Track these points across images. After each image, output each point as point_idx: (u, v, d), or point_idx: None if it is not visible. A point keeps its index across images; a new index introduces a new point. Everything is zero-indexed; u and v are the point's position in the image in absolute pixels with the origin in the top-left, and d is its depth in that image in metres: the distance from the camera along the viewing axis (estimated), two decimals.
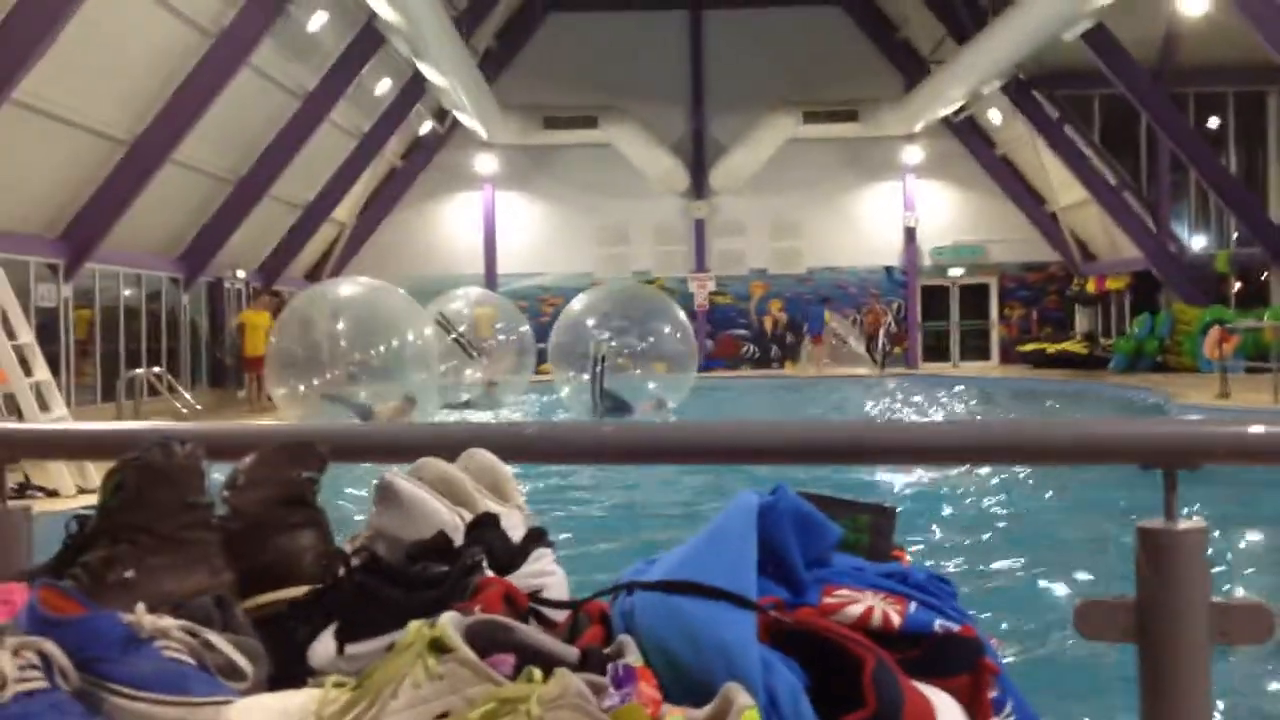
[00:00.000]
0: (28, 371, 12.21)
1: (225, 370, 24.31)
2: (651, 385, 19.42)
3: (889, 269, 31.81)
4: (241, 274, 24.66)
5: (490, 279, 30.26)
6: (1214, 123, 27.15)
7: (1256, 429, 1.70)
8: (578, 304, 20.30)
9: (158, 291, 21.52)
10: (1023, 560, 7.18)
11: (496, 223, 31.64)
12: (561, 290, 26.67)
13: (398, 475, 1.51)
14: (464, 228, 31.60)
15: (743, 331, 31.82)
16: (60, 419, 12.03)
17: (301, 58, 21.33)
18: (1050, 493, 9.19)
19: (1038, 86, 26.69)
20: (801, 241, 31.86)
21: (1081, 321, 30.90)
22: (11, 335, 12.17)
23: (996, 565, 7.07)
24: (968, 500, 9.09)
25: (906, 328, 31.74)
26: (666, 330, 19.82)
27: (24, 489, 8.58)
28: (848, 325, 30.80)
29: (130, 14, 15.81)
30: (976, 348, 31.93)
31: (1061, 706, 4.44)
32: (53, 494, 9.22)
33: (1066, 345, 28.13)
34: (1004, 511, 8.77)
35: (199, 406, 14.22)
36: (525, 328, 22.42)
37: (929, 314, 32.00)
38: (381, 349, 17.33)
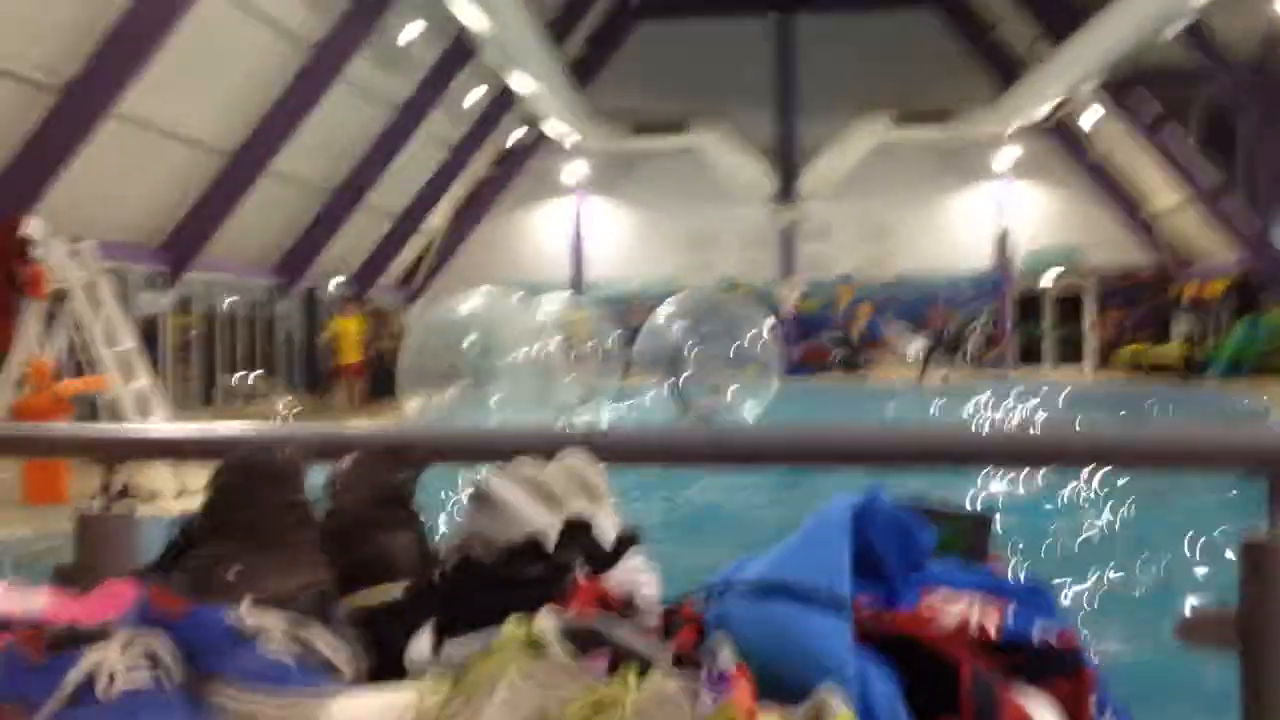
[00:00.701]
0: (130, 378, 12.55)
1: (320, 376, 24.73)
2: (734, 387, 19.38)
3: (982, 273, 31.35)
4: (336, 281, 25.08)
5: (578, 285, 30.42)
6: None
7: None
8: (663, 311, 20.39)
9: (255, 299, 21.98)
10: (1124, 572, 7.05)
11: (584, 229, 31.80)
12: (648, 296, 26.66)
13: (492, 478, 1.53)
14: (552, 235, 31.82)
15: (831, 337, 31.55)
16: (160, 423, 12.34)
17: (394, 69, 21.66)
18: (1150, 504, 9.01)
19: (1135, 86, 26.15)
20: (891, 245, 31.56)
21: (1180, 327, 30.17)
22: (114, 342, 12.52)
23: (1095, 576, 6.95)
24: (1064, 509, 8.94)
25: (1000, 332, 31.23)
26: (750, 337, 19.80)
27: (123, 493, 8.78)
28: (903, 331, 30.39)
29: (229, 28, 16.19)
30: (1071, 353, 31.34)
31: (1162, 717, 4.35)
32: (151, 497, 9.44)
33: (1164, 351, 27.51)
34: (1104, 521, 8.62)
35: (298, 408, 14.51)
36: (616, 334, 22.49)
37: (1023, 319, 31.47)
38: (512, 359, 17.77)
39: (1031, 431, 2.55)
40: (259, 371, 16.20)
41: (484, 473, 1.53)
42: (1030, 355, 31.38)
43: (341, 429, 2.00)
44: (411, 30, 20.82)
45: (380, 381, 24.05)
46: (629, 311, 29.62)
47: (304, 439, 1.65)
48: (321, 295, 24.77)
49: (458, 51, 22.67)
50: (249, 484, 1.41)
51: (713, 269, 31.58)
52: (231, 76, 17.22)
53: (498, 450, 1.79)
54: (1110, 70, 23.88)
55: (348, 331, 21.08)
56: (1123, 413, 19.76)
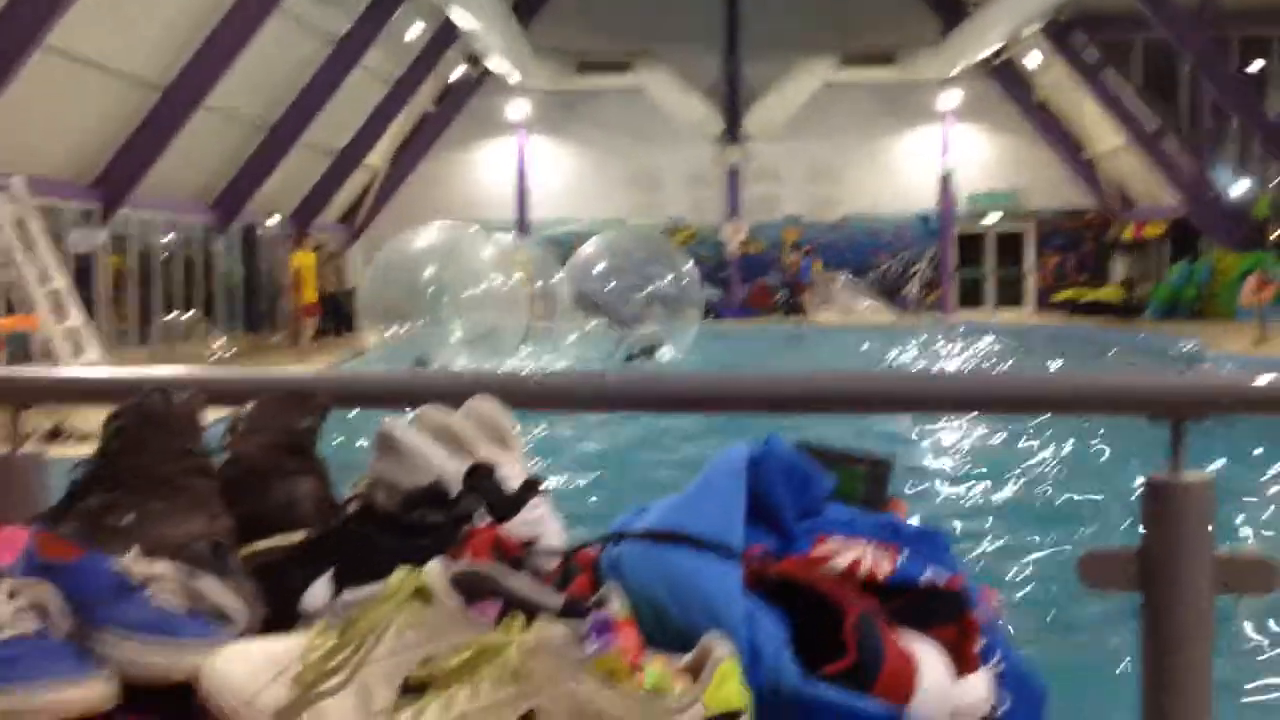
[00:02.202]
0: (62, 317, 12.36)
1: (260, 315, 24.47)
2: (654, 330, 19.43)
3: (924, 215, 31.52)
4: (275, 220, 24.75)
5: (522, 225, 30.22)
6: (1257, 66, 26.64)
7: (1264, 379, 1.68)
8: (584, 251, 20.42)
9: (191, 237, 21.65)
10: (1028, 513, 7.15)
11: (529, 169, 31.55)
12: (593, 236, 26.52)
13: (397, 423, 1.52)
14: (497, 174, 31.54)
15: (775, 279, 31.63)
16: (93, 363, 12.18)
17: (333, 2, 21.27)
18: (1062, 446, 9.11)
19: (1078, 29, 26.25)
20: (836, 188, 31.60)
21: (1119, 269, 30.57)
22: (46, 280, 12.31)
23: (1000, 517, 7.04)
24: (972, 451, 9.03)
25: (941, 275, 31.49)
26: (670, 277, 19.81)
27: (56, 433, 8.68)
28: (828, 278, 30.59)
29: None
30: (1012, 295, 31.68)
31: (1063, 657, 4.44)
32: (86, 439, 9.33)
33: (1103, 293, 27.89)
34: (1010, 464, 8.71)
35: (234, 350, 14.36)
36: (559, 275, 22.32)
37: (965, 260, 31.73)
38: (473, 293, 17.63)
39: (942, 377, 2.57)
40: (193, 312, 15.97)
41: (389, 418, 1.52)
42: (971, 297, 31.67)
43: (244, 373, 1.97)
44: None
45: (328, 319, 23.89)
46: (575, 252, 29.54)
47: (206, 383, 1.63)
48: (260, 233, 24.44)
49: None
50: (143, 430, 1.39)
51: (659, 210, 31.50)
52: (165, 9, 16.82)
53: (405, 396, 1.78)
54: (1053, 13, 23.96)
55: (308, 267, 20.50)
56: (1061, 355, 20.05)
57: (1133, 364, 18.03)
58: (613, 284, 19.43)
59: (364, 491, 1.48)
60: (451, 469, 1.49)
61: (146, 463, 1.37)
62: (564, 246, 28.26)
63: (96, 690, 1.07)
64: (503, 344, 17.80)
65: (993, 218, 31.34)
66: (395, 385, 1.84)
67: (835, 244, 31.43)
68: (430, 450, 1.50)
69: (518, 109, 30.80)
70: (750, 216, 31.59)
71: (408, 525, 1.35)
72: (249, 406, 1.53)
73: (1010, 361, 19.95)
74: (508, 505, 1.41)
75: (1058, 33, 25.97)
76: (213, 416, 1.69)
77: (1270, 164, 25.15)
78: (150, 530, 1.33)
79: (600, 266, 19.77)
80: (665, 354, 19.16)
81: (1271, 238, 25.55)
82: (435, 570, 1.08)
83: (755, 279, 31.61)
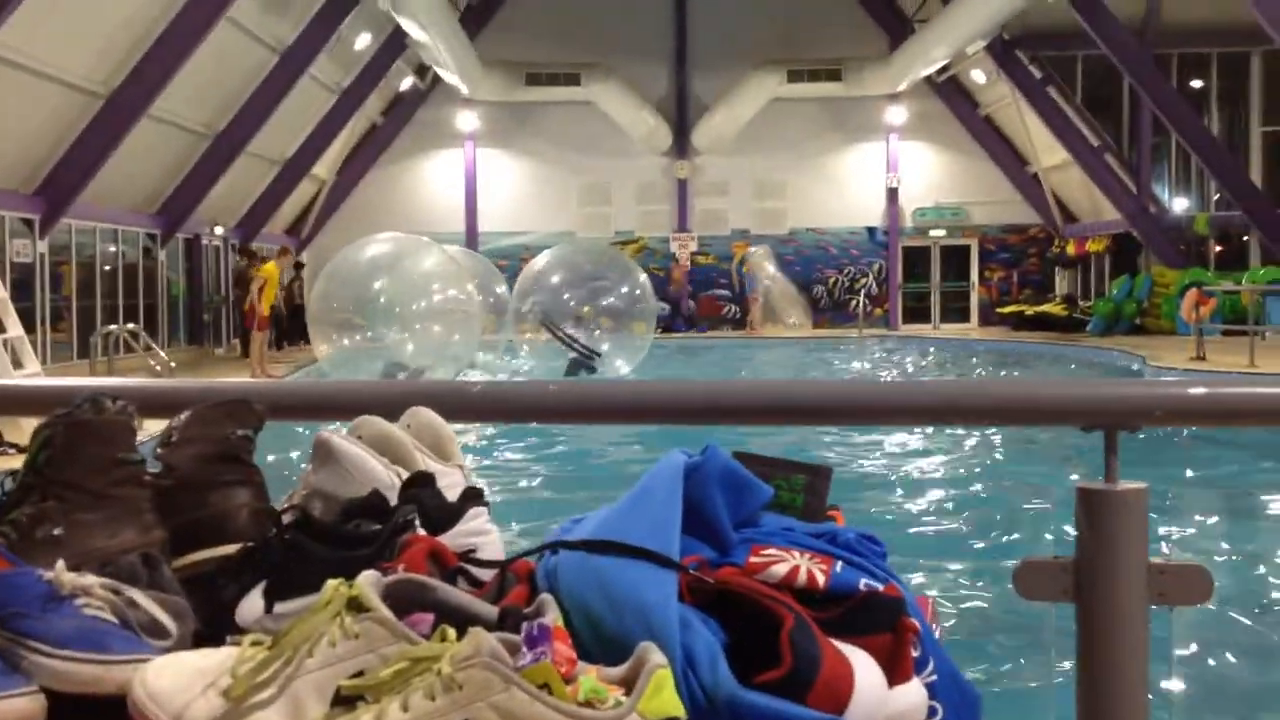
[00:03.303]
0: (1, 329, 12.16)
1: (204, 327, 24.21)
2: (605, 346, 19.44)
3: (871, 229, 31.78)
4: (220, 230, 24.51)
5: (471, 237, 30.15)
6: (1196, 84, 27.14)
7: (1196, 390, 1.70)
8: (537, 263, 20.40)
9: (134, 248, 21.38)
10: (966, 521, 7.19)
11: (478, 180, 31.47)
12: (543, 249, 26.52)
13: (335, 433, 1.50)
14: (445, 185, 31.44)
15: (724, 292, 31.75)
16: (33, 375, 11.99)
17: (279, 11, 21.11)
18: (998, 455, 9.18)
19: (1021, 47, 26.62)
20: (784, 202, 31.79)
21: (1061, 284, 30.97)
22: None
23: (939, 526, 7.08)
24: (914, 460, 9.08)
25: (887, 289, 31.76)
26: (624, 290, 19.81)
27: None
28: (792, 296, 30.84)
29: None
30: (957, 309, 32.00)
31: (999, 666, 4.47)
32: (24, 450, 9.17)
33: (1046, 307, 28.21)
34: (948, 472, 8.77)
35: (173, 364, 14.17)
36: (502, 288, 22.17)
37: (910, 275, 32.02)
38: (423, 305, 17.53)
39: (872, 386, 2.59)
40: (131, 325, 15.72)
41: (327, 428, 1.51)
42: (917, 312, 31.95)
43: (179, 383, 1.94)
44: None
45: (284, 332, 23.66)
46: (523, 264, 29.47)
47: (139, 393, 1.61)
48: (205, 243, 24.19)
49: None
50: (73, 440, 1.37)
51: (609, 222, 31.55)
52: (109, 16, 16.61)
53: (343, 406, 1.76)
54: (997, 31, 24.26)
55: (272, 278, 20.06)
56: (1003, 369, 20.28)
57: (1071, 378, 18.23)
58: (565, 296, 19.41)
59: (300, 502, 1.47)
60: (389, 479, 1.48)
61: (76, 474, 1.35)
62: (512, 259, 28.27)
63: (23, 705, 1.05)
64: (458, 356, 17.77)
65: (938, 232, 31.66)
66: (334, 395, 1.83)
67: (783, 257, 31.58)
68: (368, 460, 1.48)
69: (466, 120, 30.74)
70: (699, 230, 31.71)
71: (344, 536, 1.34)
72: (183, 416, 1.51)
73: (957, 372, 20.20)
74: (446, 516, 1.40)
75: (1002, 50, 26.30)
76: (149, 427, 1.67)
77: (1209, 181, 25.60)
78: (81, 542, 1.31)
79: (553, 279, 19.73)
80: (619, 367, 19.16)
81: (1211, 254, 26.02)
82: (367, 581, 1.07)
83: (703, 292, 31.72)
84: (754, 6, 30.47)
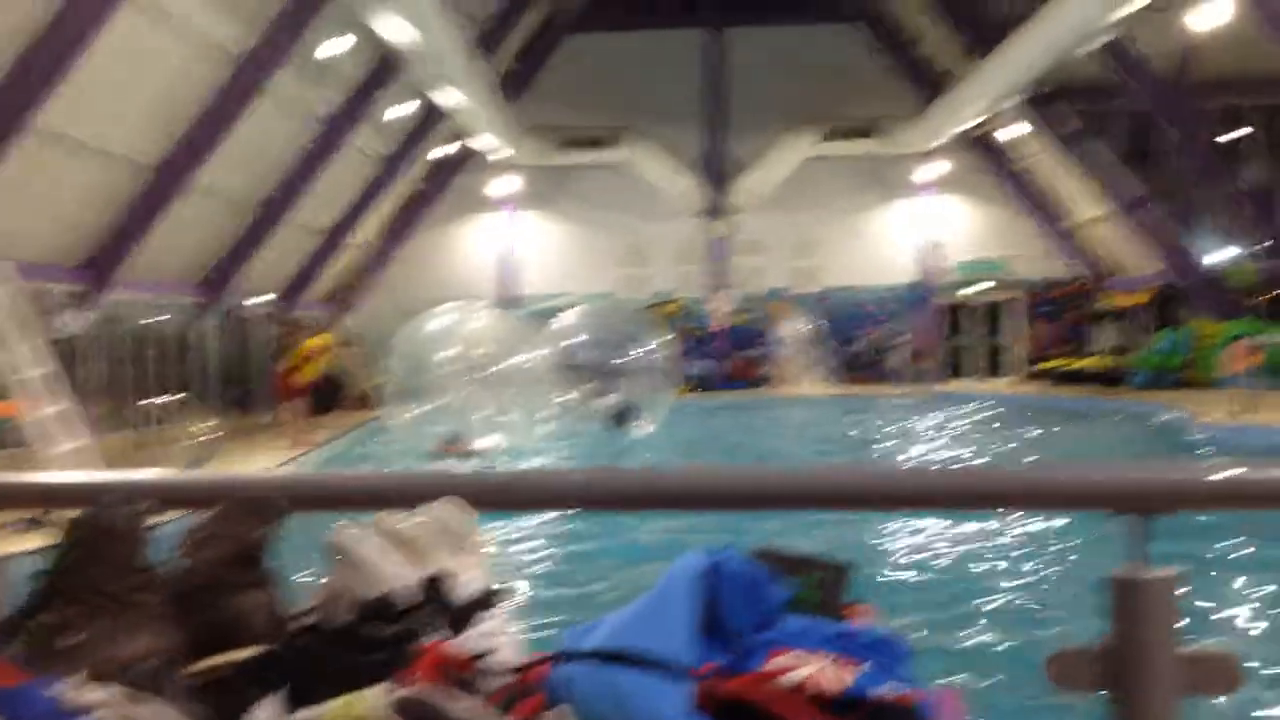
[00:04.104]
0: (51, 401, 12.32)
1: (249, 396, 24.40)
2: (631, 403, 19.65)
3: (909, 285, 31.70)
4: (262, 299, 24.78)
5: (511, 301, 30.32)
6: (1235, 135, 26.97)
7: (1226, 473, 1.67)
8: (557, 324, 20.65)
9: (180, 317, 21.65)
10: (1002, 609, 7.04)
11: (517, 244, 31.74)
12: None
13: (352, 532, 1.50)
14: (485, 250, 31.73)
15: (760, 350, 31.69)
16: (82, 448, 12.13)
17: (321, 83, 21.46)
18: (1030, 542, 8.93)
19: (1057, 100, 26.58)
20: (821, 259, 31.82)
21: (1103, 337, 30.69)
22: (34, 365, 12.29)
23: (972, 614, 6.91)
24: (941, 547, 8.86)
25: (927, 345, 31.59)
26: (643, 351, 19.99)
27: (35, 522, 8.60)
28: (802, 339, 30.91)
29: (151, 41, 15.95)
30: (997, 364, 31.77)
31: None
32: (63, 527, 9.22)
33: (1088, 361, 27.95)
34: (981, 559, 8.56)
35: (220, 433, 14.32)
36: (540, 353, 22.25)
37: (950, 331, 31.86)
38: (491, 370, 18.01)
39: (894, 472, 2.56)
40: (178, 395, 15.91)
41: (342, 525, 1.50)
42: (957, 368, 31.75)
43: (202, 476, 1.95)
44: (337, 44, 20.66)
45: (318, 399, 23.84)
46: None
47: (162, 488, 1.61)
48: (246, 312, 24.46)
49: (384, 66, 22.51)
50: (93, 545, 1.38)
51: (646, 283, 31.68)
52: (152, 90, 16.95)
53: (366, 498, 1.76)
54: (1032, 85, 24.27)
55: (322, 349, 20.29)
56: (1046, 426, 20.07)
57: (1116, 441, 17.95)
58: (592, 351, 19.66)
59: (319, 603, 1.47)
60: (404, 579, 1.47)
61: (96, 579, 1.36)
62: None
63: None
64: (528, 419, 18.15)
65: (978, 287, 31.51)
66: (356, 487, 1.83)
67: (820, 315, 31.56)
68: (384, 560, 1.48)
69: (505, 185, 31.06)
70: (736, 289, 31.76)
71: (359, 640, 1.34)
72: (203, 517, 1.52)
73: (997, 428, 19.97)
74: (462, 617, 1.39)
75: (1037, 104, 26.29)
76: (173, 519, 1.67)
77: (1250, 232, 25.37)
78: (97, 650, 1.31)
79: (580, 337, 19.97)
80: (643, 425, 19.23)
81: (1255, 305, 25.72)
82: (377, 699, 1.06)
83: (741, 351, 31.70)
84: (786, 67, 30.70)
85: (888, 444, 18.58)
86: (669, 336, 20.63)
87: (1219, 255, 27.27)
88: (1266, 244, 24.71)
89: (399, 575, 1.47)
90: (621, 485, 1.90)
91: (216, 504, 1.56)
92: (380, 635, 1.31)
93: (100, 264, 17.70)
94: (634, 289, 31.30)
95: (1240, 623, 6.72)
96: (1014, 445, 17.53)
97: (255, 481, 1.80)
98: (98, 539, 1.40)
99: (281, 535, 1.54)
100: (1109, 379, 26.07)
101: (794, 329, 30.90)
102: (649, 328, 20.81)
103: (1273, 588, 7.65)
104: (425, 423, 17.67)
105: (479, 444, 17.28)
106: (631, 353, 19.86)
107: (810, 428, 22.21)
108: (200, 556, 1.47)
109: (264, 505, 1.55)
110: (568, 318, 20.84)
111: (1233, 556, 8.09)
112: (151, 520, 1.43)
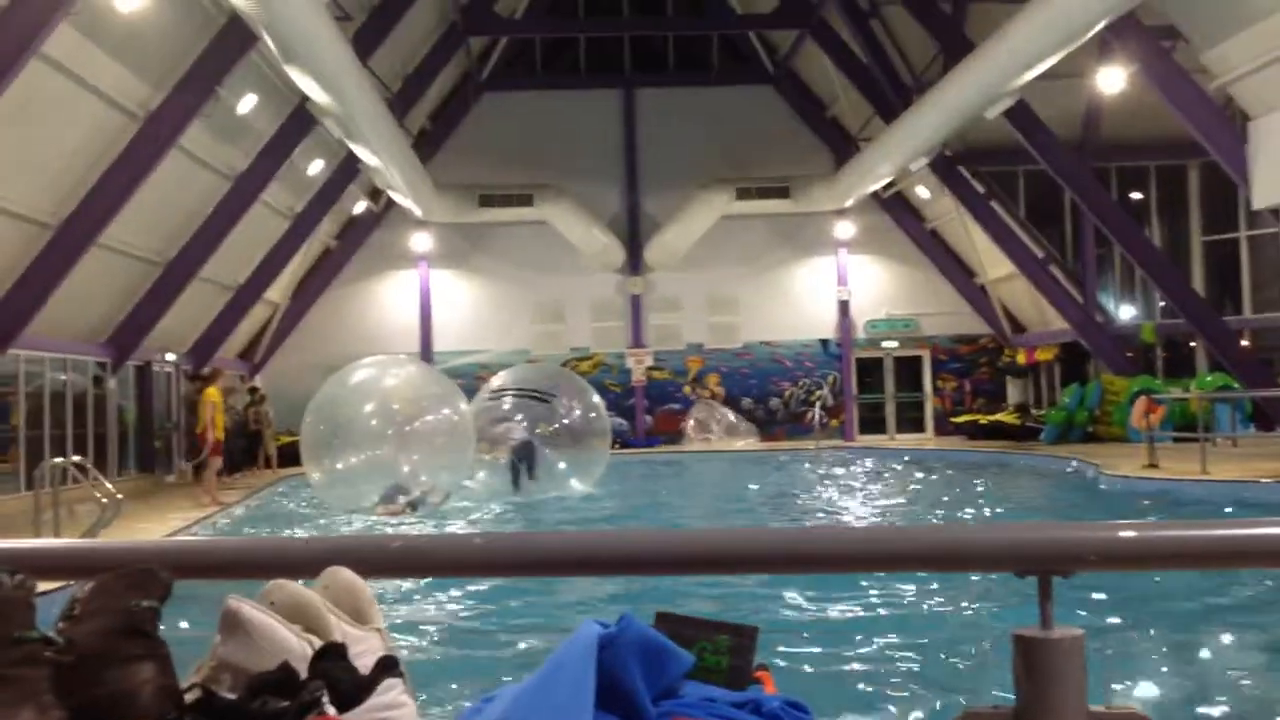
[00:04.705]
0: None
1: (155, 455, 23.87)
2: (561, 465, 19.51)
3: (824, 342, 32.07)
4: (171, 357, 24.33)
5: (426, 357, 30.09)
6: (1137, 196, 27.78)
7: (1128, 533, 1.68)
8: (494, 383, 20.56)
9: (84, 376, 21.16)
10: (904, 667, 7.04)
11: (433, 301, 31.59)
12: (499, 368, 26.58)
13: (244, 600, 1.45)
14: (400, 306, 31.52)
15: (679, 406, 31.82)
16: None
17: (232, 140, 21.26)
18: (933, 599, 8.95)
19: (964, 163, 27.21)
20: (738, 316, 32.08)
21: (1013, 392, 31.26)
22: None
23: (874, 675, 6.90)
24: (846, 604, 8.83)
25: (842, 401, 31.94)
26: (578, 412, 19.94)
27: None
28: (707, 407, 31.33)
29: (56, 97, 15.69)
30: (912, 419, 32.19)
31: None
32: None
33: (999, 416, 28.42)
34: (885, 614, 8.56)
35: (120, 496, 13.95)
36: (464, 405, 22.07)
37: (864, 387, 32.24)
38: (416, 424, 17.73)
39: (797, 533, 2.56)
40: (77, 458, 15.47)
41: (232, 596, 1.45)
42: (872, 423, 32.11)
43: (79, 545, 1.88)
44: (250, 100, 20.49)
45: (234, 458, 23.38)
46: (480, 383, 29.40)
47: (38, 557, 1.55)
48: (156, 370, 23.98)
49: (298, 122, 22.36)
50: None
51: (564, 340, 31.70)
52: (59, 146, 16.66)
53: (259, 566, 1.71)
54: (940, 148, 24.81)
55: (217, 404, 19.87)
56: (968, 480, 20.32)
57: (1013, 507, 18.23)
58: (519, 418, 19.52)
59: (207, 676, 1.41)
60: (301, 649, 1.42)
61: None
62: (467, 377, 28.22)
63: None
64: (453, 475, 17.96)
65: (890, 344, 31.98)
66: (249, 555, 1.77)
67: (738, 371, 31.81)
68: (278, 630, 1.43)
69: (420, 242, 30.95)
70: (653, 345, 31.88)
71: (251, 715, 1.29)
72: (86, 587, 1.46)
73: (910, 483, 20.17)
74: (357, 689, 1.35)
75: (944, 166, 26.87)
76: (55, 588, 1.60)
77: (1154, 290, 26.06)
78: None
79: (507, 402, 19.83)
80: (575, 485, 19.17)
81: (1158, 361, 26.39)
82: None
83: (661, 407, 31.79)
84: (702, 127, 31.13)
85: (800, 499, 18.67)
86: (595, 397, 20.58)
87: (1124, 313, 28.01)
88: (1165, 303, 25.39)
89: (292, 646, 1.42)
90: (520, 550, 1.87)
91: (97, 574, 1.50)
92: (273, 709, 1.27)
93: (3, 322, 17.25)
94: (551, 345, 31.30)
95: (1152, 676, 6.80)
96: (930, 500, 17.72)
97: (138, 550, 1.74)
98: None
99: (169, 606, 1.49)
100: (1021, 433, 26.53)
101: (711, 386, 31.14)
102: (581, 388, 20.77)
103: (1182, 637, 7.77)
104: (348, 479, 17.43)
105: (423, 489, 17.14)
106: (568, 412, 19.84)
107: (724, 484, 22.26)
108: (83, 629, 1.41)
109: (146, 577, 1.50)
110: (496, 379, 20.86)
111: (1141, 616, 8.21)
112: (35, 590, 1.37)
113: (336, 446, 17.62)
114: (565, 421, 19.70)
